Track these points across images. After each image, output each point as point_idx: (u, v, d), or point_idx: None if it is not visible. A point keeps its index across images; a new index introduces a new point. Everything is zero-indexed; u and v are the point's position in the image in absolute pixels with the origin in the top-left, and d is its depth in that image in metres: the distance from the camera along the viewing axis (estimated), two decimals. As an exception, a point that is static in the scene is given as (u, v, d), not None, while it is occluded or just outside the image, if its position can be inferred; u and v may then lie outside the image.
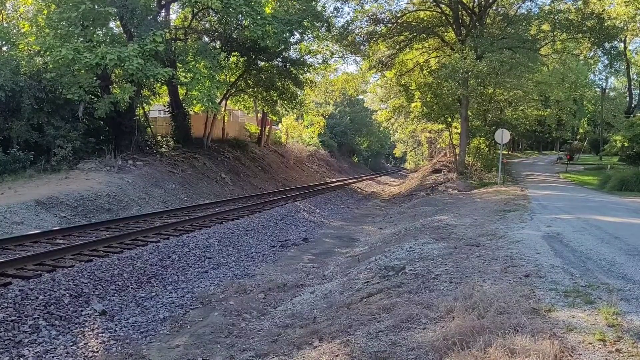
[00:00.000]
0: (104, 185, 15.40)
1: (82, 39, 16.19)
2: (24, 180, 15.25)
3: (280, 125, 43.70)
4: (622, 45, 40.71)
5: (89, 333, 6.57)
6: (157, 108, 27.94)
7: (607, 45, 29.60)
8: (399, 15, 28.16)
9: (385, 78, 33.18)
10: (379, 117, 40.37)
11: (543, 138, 57.41)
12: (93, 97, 18.17)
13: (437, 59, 30.73)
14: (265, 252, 12.09)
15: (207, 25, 24.16)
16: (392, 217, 17.87)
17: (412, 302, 5.34)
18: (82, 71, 16.68)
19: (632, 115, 37.19)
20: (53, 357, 5.87)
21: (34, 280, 7.36)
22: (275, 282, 8.87)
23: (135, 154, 19.80)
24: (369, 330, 4.83)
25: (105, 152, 18.63)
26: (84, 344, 6.27)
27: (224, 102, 27.41)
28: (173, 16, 23.96)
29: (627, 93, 49.29)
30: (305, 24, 21.25)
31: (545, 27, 26.65)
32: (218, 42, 23.73)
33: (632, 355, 3.60)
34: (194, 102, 19.21)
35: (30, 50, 18.00)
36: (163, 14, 21.18)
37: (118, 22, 18.97)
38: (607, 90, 53.79)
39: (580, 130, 58.63)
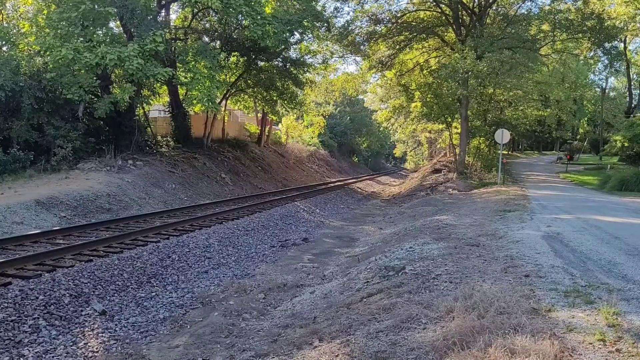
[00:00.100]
0: (104, 185, 15.40)
1: (82, 39, 16.20)
2: (24, 180, 15.25)
3: (280, 125, 43.69)
4: (622, 45, 40.76)
5: (89, 333, 6.57)
6: (157, 108, 27.93)
7: (607, 45, 29.67)
8: (399, 15, 28.16)
9: (385, 78, 33.16)
10: (379, 117, 40.34)
11: (543, 138, 57.40)
12: (93, 97, 18.17)
13: (437, 59, 30.72)
14: (265, 252, 12.09)
15: (207, 25, 24.16)
16: (392, 217, 17.86)
17: (412, 302, 5.34)
18: (82, 71, 16.69)
19: (632, 115, 37.17)
20: (53, 357, 5.87)
21: (34, 280, 7.36)
22: (275, 282, 8.87)
23: (135, 154, 19.80)
24: (369, 330, 4.83)
25: (105, 152, 18.63)
26: (84, 344, 6.27)
27: (224, 102, 27.41)
28: (173, 16, 24.03)
29: (627, 93, 49.30)
30: (305, 24, 21.25)
31: (545, 27, 26.64)
32: (218, 42, 23.73)
33: (632, 355, 3.60)
34: (194, 102, 19.23)
35: (30, 50, 18.01)
36: (163, 13, 21.19)
37: (118, 22, 18.98)
38: (607, 90, 53.92)
39: (580, 130, 58.62)
